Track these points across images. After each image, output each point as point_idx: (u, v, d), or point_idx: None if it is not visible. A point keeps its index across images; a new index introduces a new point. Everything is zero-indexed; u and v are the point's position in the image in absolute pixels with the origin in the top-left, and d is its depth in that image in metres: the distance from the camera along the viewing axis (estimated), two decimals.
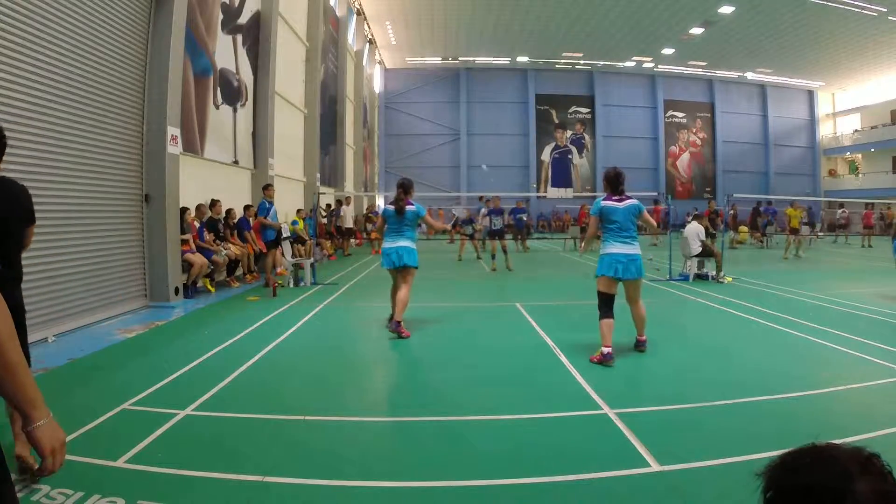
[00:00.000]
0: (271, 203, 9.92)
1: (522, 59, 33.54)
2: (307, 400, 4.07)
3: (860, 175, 35.64)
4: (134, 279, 7.67)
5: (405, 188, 6.24)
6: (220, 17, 10.54)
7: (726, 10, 24.40)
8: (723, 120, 36.44)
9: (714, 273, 10.31)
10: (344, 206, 16.96)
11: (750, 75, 35.54)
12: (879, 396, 4.05)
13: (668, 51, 30.71)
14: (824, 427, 3.09)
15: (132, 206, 7.69)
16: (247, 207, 10.70)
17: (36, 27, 5.74)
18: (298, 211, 14.21)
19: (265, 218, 9.83)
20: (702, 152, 36.87)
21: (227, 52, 10.91)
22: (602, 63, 34.18)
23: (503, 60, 34.14)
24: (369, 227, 18.63)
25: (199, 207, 9.18)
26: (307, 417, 3.66)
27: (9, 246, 2.84)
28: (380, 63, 33.09)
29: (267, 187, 10.14)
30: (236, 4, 11.31)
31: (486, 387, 4.35)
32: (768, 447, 2.99)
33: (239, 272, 10.19)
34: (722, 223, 15.40)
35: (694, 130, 36.81)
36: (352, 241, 17.36)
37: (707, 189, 35.56)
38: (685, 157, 36.76)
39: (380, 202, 26.63)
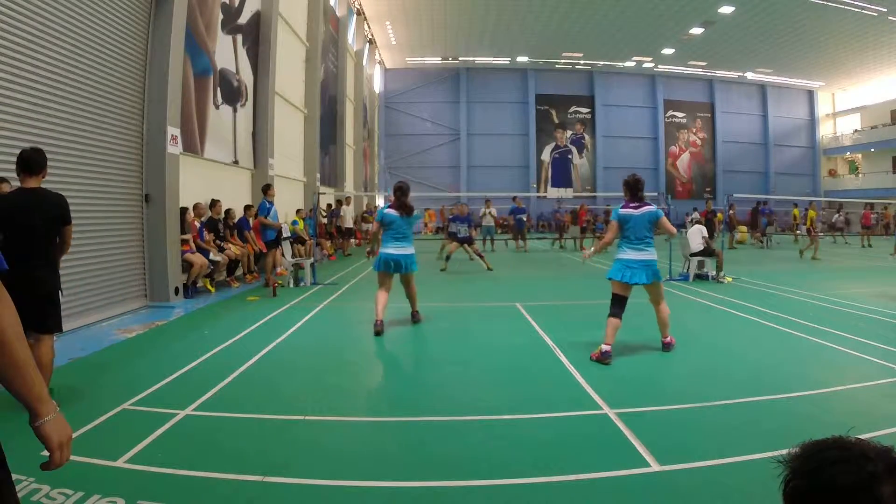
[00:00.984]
0: (271, 203, 9.92)
1: (522, 59, 33.54)
2: (307, 400, 4.07)
3: (860, 175, 35.65)
4: (134, 279, 7.67)
5: (404, 191, 6.26)
6: (220, 17, 10.54)
7: (726, 10, 24.40)
8: (723, 120, 36.46)
9: (714, 273, 10.31)
10: (344, 206, 16.96)
11: (750, 75, 35.55)
12: (879, 396, 4.05)
13: (668, 51, 30.71)
14: (824, 427, 3.08)
15: (132, 206, 7.69)
16: (247, 207, 10.69)
17: (36, 27, 5.75)
18: (298, 211, 14.21)
19: (265, 218, 9.83)
20: (702, 152, 36.89)
21: (227, 52, 10.91)
22: (602, 63, 34.20)
23: (503, 60, 34.15)
24: (364, 226, 18.53)
25: (196, 206, 9.11)
26: (307, 417, 3.66)
27: (47, 244, 3.72)
28: (380, 63, 33.09)
29: (267, 188, 10.13)
30: (236, 4, 11.31)
31: (486, 387, 4.35)
32: (768, 447, 2.99)
33: (239, 272, 10.19)
34: (721, 224, 15.35)
35: (694, 130, 36.82)
36: (352, 241, 17.35)
37: (707, 189, 35.56)
38: (685, 157, 36.77)
39: (380, 202, 26.62)
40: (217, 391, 4.13)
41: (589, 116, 35.82)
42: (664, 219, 5.22)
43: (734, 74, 35.58)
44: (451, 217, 13.41)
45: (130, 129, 7.63)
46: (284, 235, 10.57)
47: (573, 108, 35.84)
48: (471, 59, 33.84)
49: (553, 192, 33.80)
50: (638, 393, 4.24)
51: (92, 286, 6.69)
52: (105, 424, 3.48)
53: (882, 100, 34.02)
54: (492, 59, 33.92)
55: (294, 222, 13.35)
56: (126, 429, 3.41)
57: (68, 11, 6.26)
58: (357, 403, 4.17)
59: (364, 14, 25.43)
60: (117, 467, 2.88)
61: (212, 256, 9.04)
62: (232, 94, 11.21)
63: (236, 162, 11.46)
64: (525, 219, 18.71)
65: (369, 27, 27.10)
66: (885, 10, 23.17)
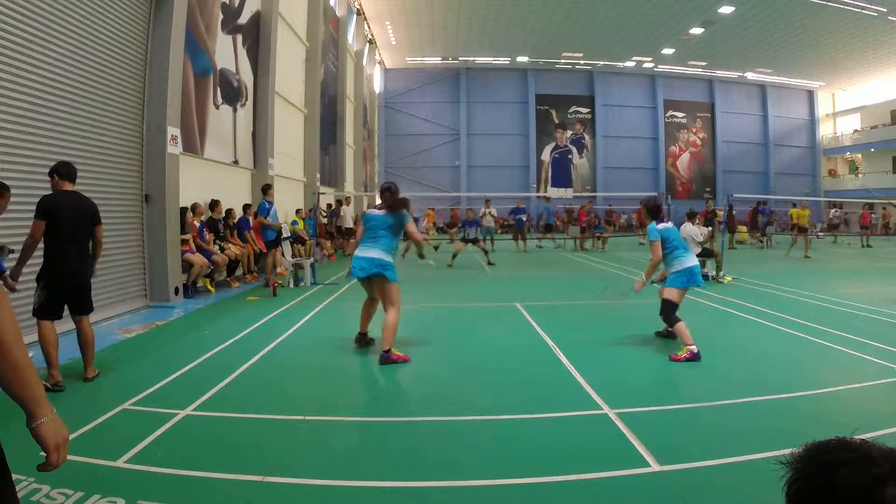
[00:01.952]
0: (271, 203, 9.92)
1: (522, 59, 33.54)
2: (307, 400, 4.07)
3: (860, 175, 35.65)
4: (134, 279, 7.67)
5: (392, 191, 5.68)
6: (220, 17, 10.54)
7: (726, 10, 24.40)
8: (723, 120, 36.44)
9: (714, 273, 10.31)
10: (344, 206, 16.95)
11: (750, 75, 35.55)
12: (879, 396, 4.05)
13: (667, 51, 30.71)
14: (824, 427, 3.08)
15: (132, 206, 7.69)
16: (247, 207, 10.69)
17: (36, 27, 5.75)
18: (298, 211, 14.21)
19: (265, 218, 9.83)
20: (702, 152, 36.88)
21: (227, 52, 10.91)
22: (602, 63, 34.19)
23: (503, 60, 34.15)
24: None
25: (195, 206, 9.06)
26: (307, 417, 3.66)
27: (84, 239, 4.42)
28: (380, 63, 33.09)
29: (267, 188, 10.13)
30: (236, 4, 11.31)
31: (486, 386, 4.35)
32: (768, 447, 2.99)
33: (239, 272, 10.19)
34: (720, 224, 15.36)
35: (694, 130, 36.81)
36: (352, 241, 17.34)
37: (707, 189, 35.52)
38: (685, 157, 36.77)
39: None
40: (217, 391, 4.13)
41: (589, 116, 35.81)
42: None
43: (734, 74, 35.57)
44: (464, 221, 14.99)
45: (130, 129, 7.63)
46: (284, 235, 10.56)
47: (573, 108, 35.83)
48: (471, 59, 33.83)
49: (553, 192, 33.81)
50: (638, 393, 4.24)
51: (92, 286, 6.67)
52: (105, 424, 3.48)
53: (882, 100, 34.01)
54: (492, 59, 33.91)
55: (294, 222, 13.35)
56: (126, 429, 3.41)
57: (68, 11, 6.26)
58: (357, 403, 4.17)
59: (364, 14, 25.43)
60: (117, 467, 2.88)
61: (214, 257, 9.03)
62: (232, 94, 11.21)
63: (236, 162, 11.45)
64: (525, 219, 18.73)
65: (369, 27, 27.10)
66: (885, 10, 23.17)
